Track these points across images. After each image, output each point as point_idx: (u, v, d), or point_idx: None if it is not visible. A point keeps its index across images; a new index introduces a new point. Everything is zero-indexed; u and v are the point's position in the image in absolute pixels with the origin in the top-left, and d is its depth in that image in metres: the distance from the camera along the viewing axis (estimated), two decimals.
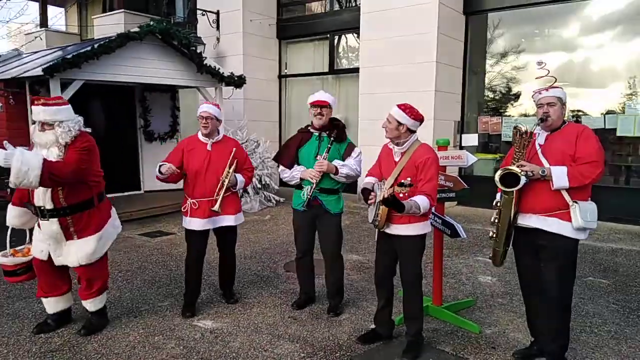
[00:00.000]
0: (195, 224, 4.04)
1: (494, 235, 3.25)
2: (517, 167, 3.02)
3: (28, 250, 3.76)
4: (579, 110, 8.17)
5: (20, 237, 3.85)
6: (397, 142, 3.34)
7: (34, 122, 3.53)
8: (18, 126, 8.19)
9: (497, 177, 3.06)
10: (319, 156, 3.89)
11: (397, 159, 3.36)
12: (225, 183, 4.00)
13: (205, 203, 4.01)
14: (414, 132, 3.34)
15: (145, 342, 3.62)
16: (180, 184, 4.25)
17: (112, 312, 4.14)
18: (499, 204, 3.17)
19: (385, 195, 3.03)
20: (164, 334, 3.76)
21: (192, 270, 4.17)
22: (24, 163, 3.10)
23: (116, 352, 3.46)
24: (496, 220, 3.21)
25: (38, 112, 3.41)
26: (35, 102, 3.44)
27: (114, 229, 3.84)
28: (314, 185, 3.87)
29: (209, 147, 4.08)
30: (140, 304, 4.36)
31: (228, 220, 4.14)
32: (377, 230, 3.49)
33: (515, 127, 3.11)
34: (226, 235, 4.27)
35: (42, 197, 3.42)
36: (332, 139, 3.92)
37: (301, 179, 3.96)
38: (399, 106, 3.31)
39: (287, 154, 4.08)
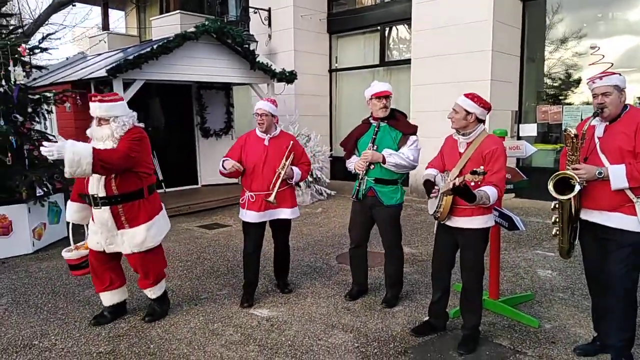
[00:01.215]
0: (251, 216, 4.14)
1: (557, 233, 3.15)
2: (572, 169, 2.89)
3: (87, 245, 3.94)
4: None
5: (80, 235, 4.10)
6: (464, 132, 3.28)
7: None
8: (84, 125, 8.67)
9: (550, 186, 2.92)
10: (366, 150, 3.90)
11: (462, 150, 3.29)
12: (282, 175, 4.06)
13: (262, 196, 4.08)
14: (482, 121, 3.27)
15: (205, 329, 3.77)
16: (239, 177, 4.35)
17: (173, 300, 4.34)
18: (557, 206, 3.06)
19: (457, 184, 2.94)
20: (223, 321, 3.91)
21: (249, 261, 4.28)
22: (76, 153, 3.26)
23: (178, 338, 3.63)
24: (557, 220, 3.11)
25: (94, 108, 3.62)
26: (92, 99, 3.65)
27: (164, 222, 3.97)
28: (361, 175, 3.91)
29: (266, 142, 4.16)
30: (200, 293, 4.54)
31: (284, 214, 4.21)
32: (436, 222, 3.46)
33: (565, 131, 2.97)
34: (281, 228, 4.36)
35: (96, 186, 3.60)
36: (383, 122, 3.93)
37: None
38: (467, 95, 3.26)
39: (348, 145, 4.13)
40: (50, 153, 3.26)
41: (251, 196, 4.13)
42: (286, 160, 4.11)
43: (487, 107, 3.24)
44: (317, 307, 4.16)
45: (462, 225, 3.27)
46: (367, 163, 3.86)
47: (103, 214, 3.64)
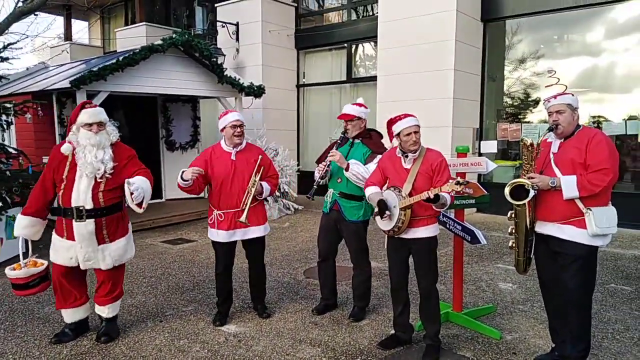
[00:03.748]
0: (221, 236, 4.00)
1: (514, 245, 3.29)
2: (527, 179, 3.06)
3: (34, 262, 3.73)
4: (599, 116, 8.09)
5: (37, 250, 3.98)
6: (415, 149, 3.41)
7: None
8: (45, 137, 8.45)
9: (506, 191, 3.11)
10: (333, 149, 3.96)
11: (408, 166, 3.43)
12: (252, 192, 3.93)
13: (231, 214, 3.95)
14: None
15: (171, 346, 3.71)
16: (201, 193, 4.26)
17: (137, 316, 4.26)
18: (513, 216, 3.21)
19: (431, 196, 3.10)
20: (189, 337, 3.86)
21: (221, 281, 4.15)
22: (147, 192, 3.58)
23: (143, 355, 3.56)
24: (513, 231, 3.25)
25: (98, 112, 3.59)
26: (88, 106, 3.61)
27: (132, 232, 3.94)
28: (320, 174, 3.96)
29: (233, 157, 4.00)
30: (165, 309, 4.46)
31: (257, 232, 4.08)
32: (386, 237, 3.55)
33: (521, 140, 3.15)
34: (255, 246, 4.20)
35: (83, 197, 3.51)
36: (357, 139, 4.02)
37: (327, 182, 4.08)
38: (408, 115, 3.43)
39: (322, 158, 4.14)
40: (140, 196, 3.48)
41: (219, 215, 3.98)
42: (256, 176, 3.98)
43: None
44: (284, 322, 4.15)
45: (420, 235, 3.41)
46: (327, 165, 3.94)
47: (87, 227, 3.54)
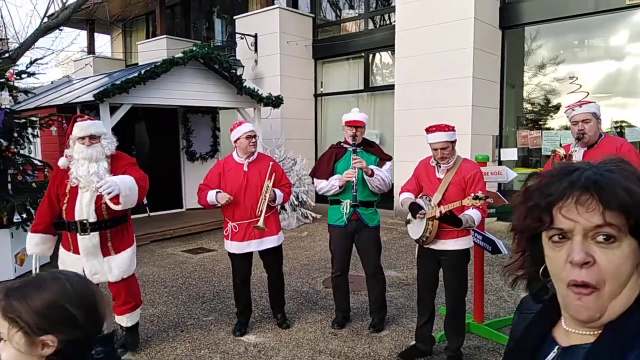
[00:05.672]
0: (235, 247, 4.06)
1: None
2: None
3: None
4: (622, 121, 7.93)
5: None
6: (448, 160, 3.37)
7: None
8: None
9: None
10: (353, 155, 3.89)
11: (440, 176, 3.38)
12: (267, 197, 3.96)
13: (246, 225, 4.00)
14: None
15: (192, 356, 3.75)
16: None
17: (159, 326, 4.31)
18: None
19: (443, 212, 3.06)
20: (210, 347, 3.89)
21: (239, 291, 4.19)
22: (127, 185, 3.40)
23: None
24: None
25: (88, 126, 3.52)
26: (79, 120, 3.58)
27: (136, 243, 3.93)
28: (355, 181, 3.84)
29: (245, 168, 4.05)
30: (186, 319, 4.51)
31: (271, 242, 4.10)
32: (417, 246, 3.53)
33: (553, 151, 3.06)
34: (271, 256, 4.20)
35: (86, 211, 3.50)
36: (359, 148, 3.98)
37: (339, 192, 3.98)
38: (443, 127, 3.33)
39: (324, 169, 4.10)
40: (110, 189, 3.29)
41: (234, 226, 4.03)
42: (269, 180, 3.99)
43: (455, 130, 3.38)
44: (304, 332, 4.16)
45: (449, 247, 3.35)
46: (356, 172, 3.84)
47: (91, 240, 3.55)
